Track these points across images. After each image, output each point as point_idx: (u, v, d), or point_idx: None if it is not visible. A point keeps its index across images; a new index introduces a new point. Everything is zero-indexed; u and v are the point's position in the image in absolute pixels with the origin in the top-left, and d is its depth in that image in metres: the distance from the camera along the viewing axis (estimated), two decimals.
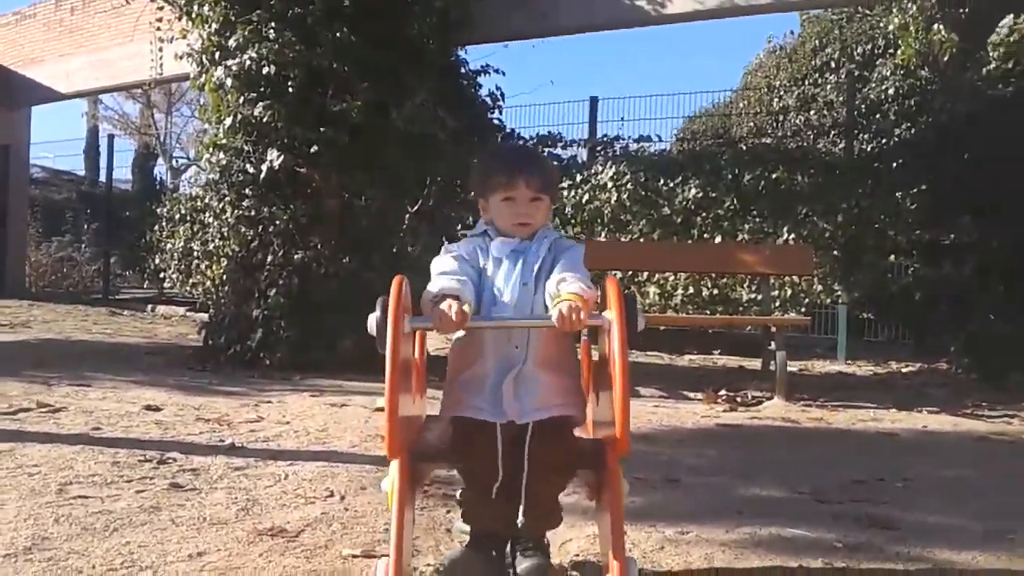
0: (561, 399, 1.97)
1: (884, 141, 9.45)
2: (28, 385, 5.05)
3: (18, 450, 3.41)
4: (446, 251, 2.08)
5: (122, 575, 2.18)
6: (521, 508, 1.90)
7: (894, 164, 8.99)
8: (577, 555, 2.41)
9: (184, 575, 2.19)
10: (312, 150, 6.30)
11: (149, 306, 12.80)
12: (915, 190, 8.39)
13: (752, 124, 12.30)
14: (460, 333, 1.99)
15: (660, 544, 2.56)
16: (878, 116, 9.77)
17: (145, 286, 16.22)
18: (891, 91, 9.81)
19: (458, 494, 2.11)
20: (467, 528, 2.13)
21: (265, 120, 6.32)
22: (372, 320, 1.86)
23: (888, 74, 10.11)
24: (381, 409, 1.77)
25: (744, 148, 9.84)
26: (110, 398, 4.80)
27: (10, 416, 4.15)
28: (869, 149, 9.50)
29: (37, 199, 17.00)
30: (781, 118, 11.63)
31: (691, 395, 5.77)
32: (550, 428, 1.92)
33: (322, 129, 6.28)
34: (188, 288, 12.04)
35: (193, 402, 4.76)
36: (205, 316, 7.73)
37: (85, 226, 17.16)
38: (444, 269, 2.00)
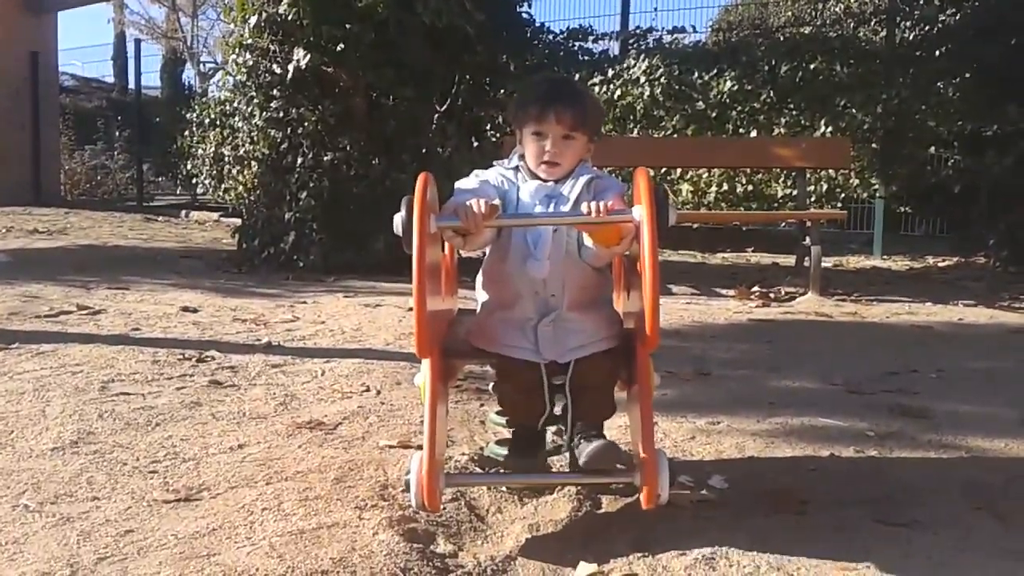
0: (599, 334, 1.95)
1: (927, 28, 9.10)
2: (68, 289, 5.13)
3: (60, 350, 3.49)
4: (474, 175, 2.04)
5: (166, 466, 2.25)
6: (567, 436, 2.00)
7: (937, 52, 8.68)
8: None
9: (226, 466, 2.26)
10: (338, 48, 6.20)
11: (183, 212, 12.87)
12: (958, 79, 8.13)
13: (791, 13, 11.87)
14: (488, 238, 1.94)
15: (691, 434, 2.59)
16: (922, 2, 9.38)
17: (178, 192, 16.31)
18: None
19: (491, 387, 2.13)
20: (502, 420, 2.16)
21: (290, 18, 6.22)
22: (397, 220, 1.84)
23: None
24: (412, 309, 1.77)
25: (782, 38, 9.52)
26: (148, 300, 4.88)
27: (52, 319, 4.25)
28: (911, 37, 9.16)
29: (67, 107, 16.93)
30: (820, 6, 11.20)
31: (724, 292, 5.75)
32: (591, 363, 1.93)
33: (348, 26, 6.17)
34: (220, 194, 12.08)
35: (229, 304, 4.83)
36: (238, 222, 7.77)
37: (117, 133, 17.17)
38: (467, 187, 1.97)
